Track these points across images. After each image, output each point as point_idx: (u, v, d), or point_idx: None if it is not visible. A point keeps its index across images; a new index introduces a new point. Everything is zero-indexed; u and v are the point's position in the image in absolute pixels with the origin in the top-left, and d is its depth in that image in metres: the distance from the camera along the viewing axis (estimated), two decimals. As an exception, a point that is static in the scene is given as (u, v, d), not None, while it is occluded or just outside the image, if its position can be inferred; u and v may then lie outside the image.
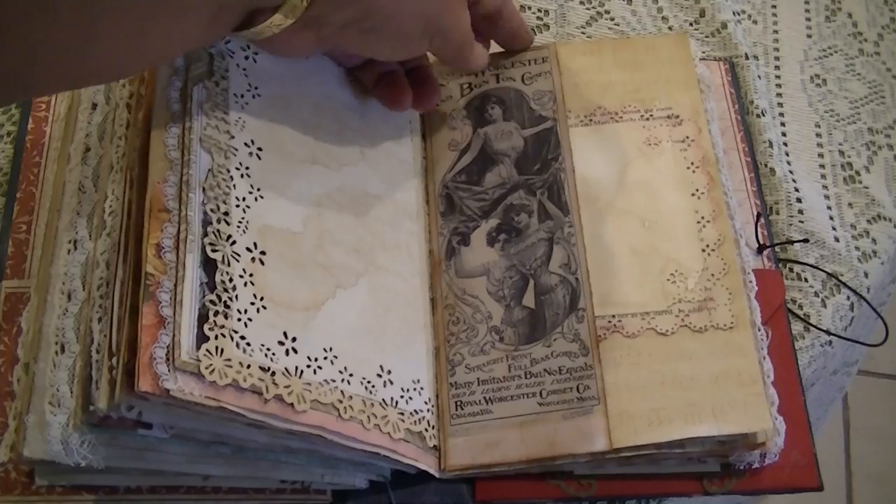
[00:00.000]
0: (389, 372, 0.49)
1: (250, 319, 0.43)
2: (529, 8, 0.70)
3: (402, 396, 0.49)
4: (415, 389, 0.51)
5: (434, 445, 0.51)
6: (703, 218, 0.56)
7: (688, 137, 0.58)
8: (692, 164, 0.58)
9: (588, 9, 0.70)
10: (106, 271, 0.45)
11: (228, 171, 0.45)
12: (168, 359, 0.40)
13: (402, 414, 0.49)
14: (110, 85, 0.52)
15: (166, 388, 0.39)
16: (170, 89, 0.45)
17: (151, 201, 0.43)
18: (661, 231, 0.56)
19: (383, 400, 0.48)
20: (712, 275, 0.54)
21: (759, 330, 0.54)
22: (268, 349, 0.43)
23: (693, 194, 0.57)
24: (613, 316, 0.53)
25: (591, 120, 0.59)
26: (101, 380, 0.42)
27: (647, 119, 0.59)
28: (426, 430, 0.50)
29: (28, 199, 0.57)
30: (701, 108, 0.59)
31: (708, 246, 0.55)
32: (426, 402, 0.51)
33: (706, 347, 0.52)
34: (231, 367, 0.41)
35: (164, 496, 0.49)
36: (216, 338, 0.41)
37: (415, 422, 0.50)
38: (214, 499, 0.49)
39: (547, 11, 0.70)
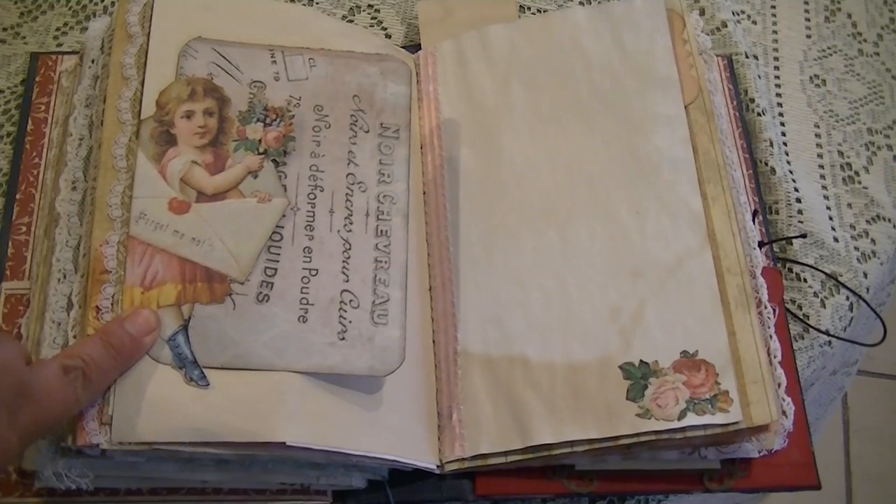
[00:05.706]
0: None
1: None
2: (529, 8, 0.70)
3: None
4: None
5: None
6: None
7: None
8: None
9: (587, 9, 0.70)
10: (74, 316, 0.47)
11: None
12: (99, 415, 0.43)
13: None
14: (93, 122, 0.53)
15: (95, 443, 0.43)
16: (115, 147, 0.48)
17: (93, 265, 0.45)
18: None
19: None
20: None
21: (766, 308, 0.53)
22: None
23: None
24: None
25: None
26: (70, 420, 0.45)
27: None
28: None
29: (28, 200, 0.57)
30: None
31: None
32: None
33: None
34: None
35: (166, 497, 0.49)
36: None
37: None
38: (215, 500, 0.49)
39: (546, 12, 0.70)
